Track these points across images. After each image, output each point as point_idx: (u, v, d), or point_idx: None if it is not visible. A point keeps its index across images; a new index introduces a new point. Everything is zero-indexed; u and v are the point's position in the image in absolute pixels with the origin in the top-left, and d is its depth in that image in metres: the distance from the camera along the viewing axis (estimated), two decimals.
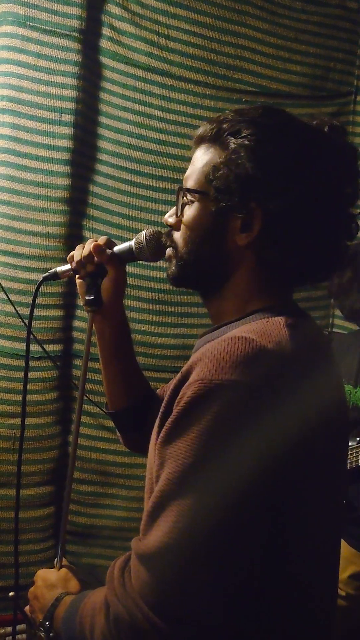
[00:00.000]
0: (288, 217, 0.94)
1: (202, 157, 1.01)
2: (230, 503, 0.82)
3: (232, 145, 0.96)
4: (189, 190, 1.02)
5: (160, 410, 0.94)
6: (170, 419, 0.87)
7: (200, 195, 1.00)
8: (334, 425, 0.98)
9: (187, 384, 0.87)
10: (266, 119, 0.97)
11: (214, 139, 0.99)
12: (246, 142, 0.94)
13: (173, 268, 1.06)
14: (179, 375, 0.91)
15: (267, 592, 0.88)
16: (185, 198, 1.03)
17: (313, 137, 0.97)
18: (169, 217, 1.07)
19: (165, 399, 0.93)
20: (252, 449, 0.83)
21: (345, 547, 2.06)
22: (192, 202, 1.02)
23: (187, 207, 1.02)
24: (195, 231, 1.01)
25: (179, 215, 1.04)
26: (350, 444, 2.08)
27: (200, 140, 1.02)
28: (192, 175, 1.02)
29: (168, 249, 1.07)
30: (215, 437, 0.82)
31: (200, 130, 1.03)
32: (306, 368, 0.92)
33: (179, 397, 0.87)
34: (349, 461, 2.05)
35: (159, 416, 0.95)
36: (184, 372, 0.89)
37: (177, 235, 1.05)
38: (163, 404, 0.94)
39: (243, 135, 0.95)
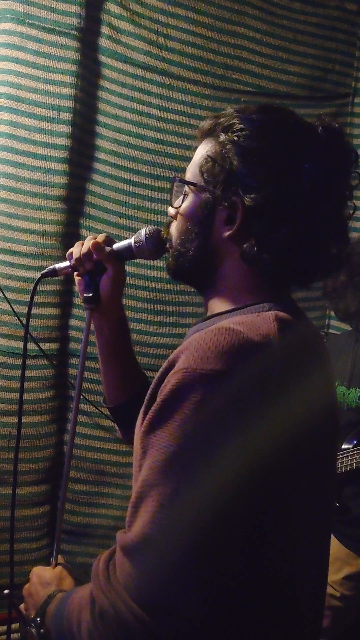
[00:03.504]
0: (266, 213, 0.95)
1: (200, 150, 1.04)
2: (212, 492, 0.82)
3: (222, 139, 0.99)
4: (180, 181, 1.05)
5: (146, 397, 0.95)
6: (153, 407, 0.87)
7: (193, 186, 1.03)
8: (321, 422, 0.98)
9: (172, 372, 0.87)
10: (260, 116, 0.98)
11: (210, 132, 1.03)
12: (235, 137, 0.97)
13: (169, 259, 1.08)
14: (165, 364, 0.91)
15: (252, 585, 0.88)
16: (183, 190, 1.05)
17: (303, 138, 0.98)
18: (171, 209, 1.09)
19: (151, 386, 0.93)
20: (234, 439, 0.83)
21: (339, 548, 2.07)
22: (187, 194, 1.05)
23: (186, 198, 1.05)
24: (187, 222, 1.04)
25: (173, 205, 1.07)
26: (345, 446, 2.08)
27: (201, 134, 1.06)
28: (190, 167, 1.06)
29: (168, 243, 1.09)
30: (197, 426, 0.82)
31: (201, 124, 1.06)
32: (294, 364, 0.92)
33: (163, 385, 0.88)
34: (344, 463, 2.05)
35: (144, 403, 0.95)
36: (170, 361, 0.90)
37: (173, 227, 1.08)
38: (148, 392, 0.94)
39: (234, 130, 0.98)
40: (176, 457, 0.82)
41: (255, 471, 0.84)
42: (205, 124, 1.04)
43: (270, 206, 0.95)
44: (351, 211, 1.02)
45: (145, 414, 0.91)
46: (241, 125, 0.97)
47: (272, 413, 0.86)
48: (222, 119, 1.01)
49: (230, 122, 0.99)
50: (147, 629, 0.81)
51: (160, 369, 0.92)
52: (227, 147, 0.97)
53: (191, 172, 1.05)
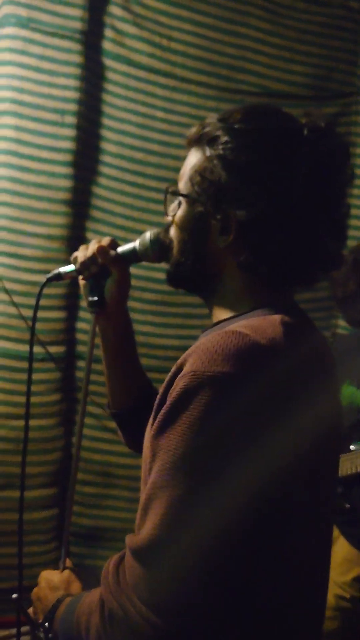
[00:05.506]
0: (261, 224, 0.96)
1: (190, 160, 1.05)
2: (221, 493, 0.82)
3: (208, 153, 0.99)
4: (173, 193, 1.06)
5: (155, 401, 0.95)
6: (162, 410, 0.88)
7: (186, 198, 1.03)
8: (325, 426, 0.98)
9: (180, 375, 0.88)
10: (244, 125, 0.98)
11: (197, 142, 1.03)
12: (221, 152, 0.97)
13: (169, 267, 1.09)
14: (174, 367, 0.92)
15: (260, 585, 0.89)
16: (178, 198, 1.06)
17: (290, 143, 0.97)
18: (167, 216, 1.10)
19: (160, 390, 0.94)
20: (242, 440, 0.84)
21: (349, 550, 2.06)
22: (182, 202, 1.05)
23: (180, 207, 1.06)
24: (183, 231, 1.05)
25: (168, 214, 1.08)
26: (353, 447, 2.07)
27: (189, 142, 1.06)
28: (182, 176, 1.06)
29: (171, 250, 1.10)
30: (206, 428, 0.83)
31: (189, 132, 1.06)
32: (300, 367, 0.93)
33: (172, 389, 0.88)
34: (355, 464, 2.04)
35: (154, 407, 0.96)
36: (179, 364, 0.91)
37: (171, 233, 1.09)
38: (158, 396, 0.95)
39: (220, 142, 0.98)
40: (185, 459, 0.83)
41: (262, 472, 0.85)
42: (193, 132, 1.05)
43: (263, 217, 0.95)
44: (347, 208, 1.01)
45: (155, 418, 0.91)
46: (226, 138, 0.97)
47: (278, 415, 0.87)
48: (207, 129, 1.01)
49: (215, 134, 0.99)
50: (156, 631, 0.82)
51: (169, 373, 0.93)
52: (214, 162, 0.98)
53: (183, 182, 1.05)
